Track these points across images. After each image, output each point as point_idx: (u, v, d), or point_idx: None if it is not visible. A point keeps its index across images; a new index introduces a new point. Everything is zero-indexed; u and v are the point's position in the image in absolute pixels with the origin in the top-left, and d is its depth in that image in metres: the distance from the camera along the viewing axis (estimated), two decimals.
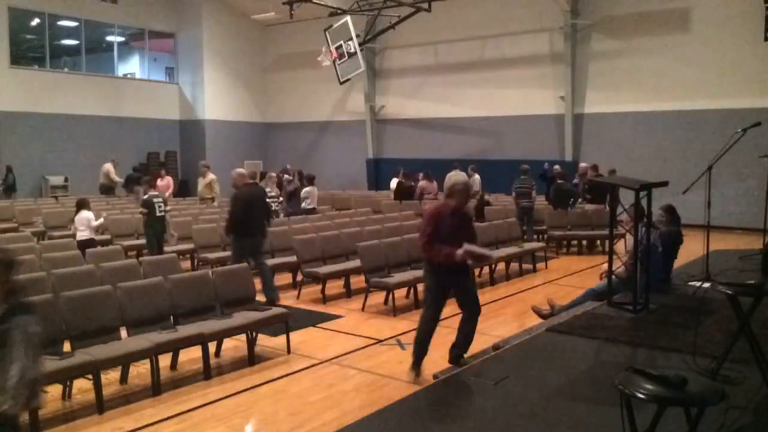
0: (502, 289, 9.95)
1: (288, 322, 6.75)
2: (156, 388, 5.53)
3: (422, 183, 15.12)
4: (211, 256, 10.15)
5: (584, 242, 13.56)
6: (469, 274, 6.30)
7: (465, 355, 5.97)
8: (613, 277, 6.05)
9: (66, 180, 20.22)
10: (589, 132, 18.79)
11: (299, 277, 9.60)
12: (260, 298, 7.71)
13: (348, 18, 18.60)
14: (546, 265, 11.67)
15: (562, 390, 4.28)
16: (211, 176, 15.22)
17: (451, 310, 8.55)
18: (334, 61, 19.11)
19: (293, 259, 9.66)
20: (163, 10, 23.54)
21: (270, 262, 9.83)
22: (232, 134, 24.52)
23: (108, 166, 18.04)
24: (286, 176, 16.59)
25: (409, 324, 7.79)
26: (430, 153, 21.84)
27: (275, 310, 6.77)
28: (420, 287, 9.02)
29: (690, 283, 6.90)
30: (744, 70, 16.24)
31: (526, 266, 11.23)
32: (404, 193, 16.40)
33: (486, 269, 10.38)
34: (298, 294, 9.28)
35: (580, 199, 13.99)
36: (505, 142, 20.32)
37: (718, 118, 15.96)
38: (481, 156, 20.61)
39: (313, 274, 9.12)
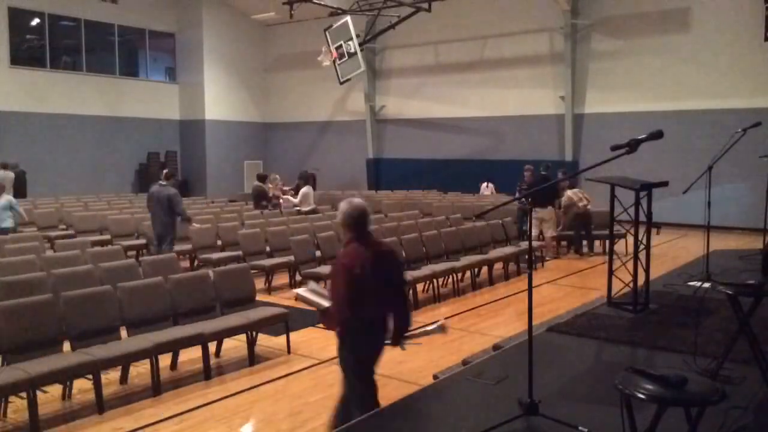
0: (501, 289, 9.95)
1: (288, 322, 6.74)
2: (156, 388, 5.52)
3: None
4: (214, 256, 10.13)
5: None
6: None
7: None
8: None
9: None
10: (589, 132, 18.79)
11: (298, 277, 9.60)
12: None
13: (348, 18, 18.61)
14: (543, 265, 11.67)
15: (562, 390, 4.28)
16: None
17: (450, 309, 8.59)
18: (334, 61, 19.12)
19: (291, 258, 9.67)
20: (163, 10, 23.54)
21: (268, 262, 9.87)
22: (232, 134, 24.53)
23: None
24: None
25: None
26: (430, 153, 21.85)
27: (275, 310, 6.76)
28: (419, 287, 9.05)
29: (690, 283, 6.90)
30: (744, 70, 16.25)
31: (525, 266, 11.23)
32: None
33: (485, 269, 10.37)
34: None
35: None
36: (505, 142, 20.33)
37: (718, 118, 15.95)
38: (481, 156, 20.63)
39: (314, 275, 9.10)
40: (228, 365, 6.36)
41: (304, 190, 14.24)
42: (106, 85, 21.87)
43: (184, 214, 10.19)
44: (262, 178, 15.22)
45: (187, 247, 10.85)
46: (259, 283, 9.21)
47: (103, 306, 5.77)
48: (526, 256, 11.01)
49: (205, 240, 10.65)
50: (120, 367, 5.75)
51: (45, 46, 20.51)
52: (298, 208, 13.99)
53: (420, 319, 8.07)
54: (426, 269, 9.14)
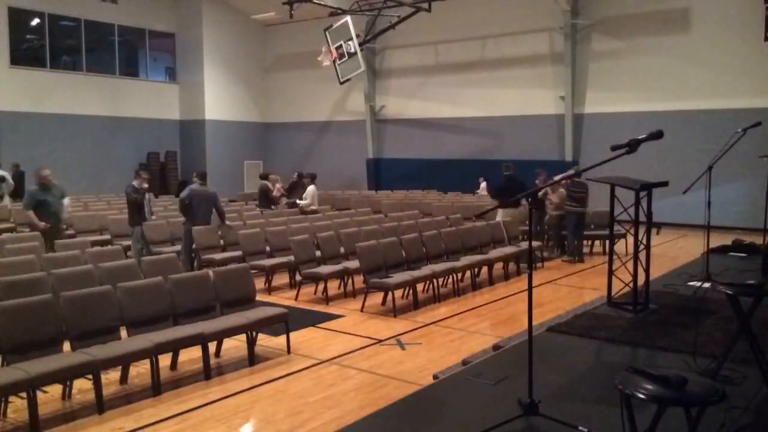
0: (501, 289, 9.95)
1: (288, 322, 6.74)
2: (156, 388, 5.52)
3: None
4: (217, 257, 10.11)
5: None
6: None
7: None
8: None
9: None
10: (589, 132, 18.80)
11: (298, 277, 9.59)
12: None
13: (348, 18, 18.61)
14: (543, 265, 11.67)
15: (562, 390, 4.28)
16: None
17: (450, 310, 8.59)
18: (334, 61, 19.12)
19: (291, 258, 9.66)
20: (163, 10, 23.54)
21: (268, 262, 9.87)
22: (232, 134, 24.53)
23: None
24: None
25: (408, 324, 7.79)
26: (431, 153, 21.86)
27: (275, 310, 6.76)
28: (419, 287, 9.04)
29: (690, 283, 6.90)
30: (744, 70, 16.25)
31: (525, 266, 11.23)
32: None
33: (485, 269, 10.38)
34: (297, 294, 9.28)
35: None
36: (505, 142, 20.33)
37: (718, 118, 15.96)
38: (481, 156, 20.63)
39: (314, 275, 9.11)
40: (228, 365, 6.36)
41: (311, 189, 14.16)
42: (106, 85, 21.87)
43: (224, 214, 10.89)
44: (265, 177, 15.25)
45: None
46: (259, 283, 9.23)
47: (103, 306, 5.77)
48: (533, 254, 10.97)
49: (209, 241, 10.64)
50: (120, 367, 5.75)
51: (45, 46, 20.51)
52: (311, 207, 13.86)
53: (420, 318, 8.09)
54: (426, 269, 9.13)
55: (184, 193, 10.51)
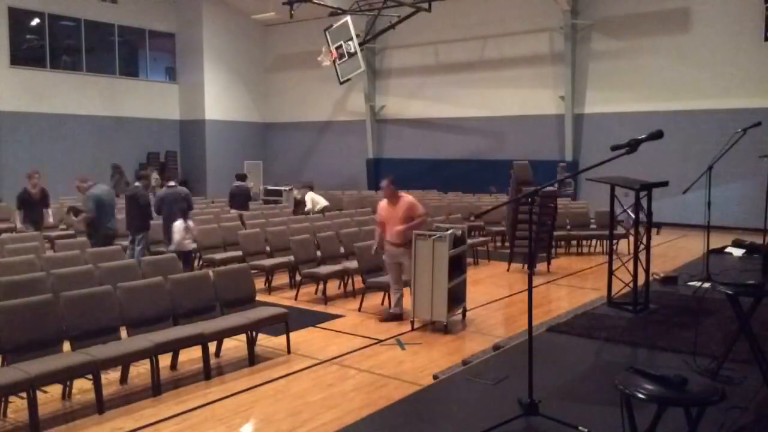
0: (501, 288, 9.94)
1: (288, 322, 6.74)
2: (156, 388, 5.52)
3: None
4: (217, 257, 10.10)
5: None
6: None
7: None
8: None
9: None
10: (589, 132, 18.80)
11: (298, 277, 9.58)
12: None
13: (348, 18, 18.61)
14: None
15: (562, 390, 4.28)
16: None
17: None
18: (334, 61, 19.12)
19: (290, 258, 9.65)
20: (163, 10, 23.54)
21: (268, 262, 9.87)
22: (232, 134, 24.54)
23: None
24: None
25: (408, 324, 7.78)
26: (430, 153, 21.85)
27: (275, 310, 6.76)
28: None
29: (690, 283, 6.91)
30: (744, 70, 16.25)
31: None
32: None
33: None
34: (297, 294, 9.28)
35: None
36: (505, 142, 20.33)
37: (718, 118, 15.96)
38: (481, 156, 20.63)
39: (313, 275, 9.10)
40: (228, 365, 6.36)
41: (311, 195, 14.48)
42: (106, 85, 21.87)
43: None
44: (243, 177, 14.90)
45: (191, 247, 10.82)
46: (259, 283, 9.21)
47: (103, 306, 5.77)
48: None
49: (210, 240, 10.63)
50: (120, 367, 5.74)
51: (45, 46, 20.51)
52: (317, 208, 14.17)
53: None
54: None
55: (155, 203, 10.02)
